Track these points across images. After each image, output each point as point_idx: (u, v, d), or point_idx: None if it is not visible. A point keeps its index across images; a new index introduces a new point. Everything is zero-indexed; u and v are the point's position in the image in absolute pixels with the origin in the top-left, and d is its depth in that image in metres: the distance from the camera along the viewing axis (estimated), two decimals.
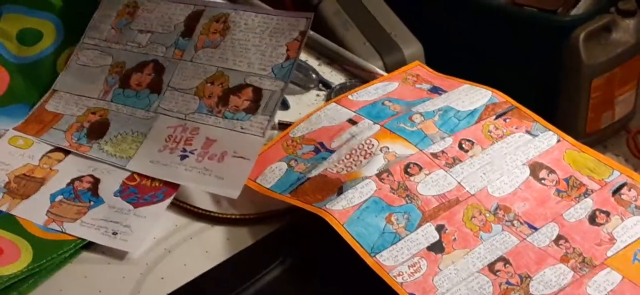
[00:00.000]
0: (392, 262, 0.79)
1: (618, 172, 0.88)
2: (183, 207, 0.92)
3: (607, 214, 0.84)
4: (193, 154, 0.96)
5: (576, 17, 2.11)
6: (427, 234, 0.82)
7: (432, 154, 0.91)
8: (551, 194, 0.86)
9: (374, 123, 0.96)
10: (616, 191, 0.86)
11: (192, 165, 0.95)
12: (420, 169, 0.89)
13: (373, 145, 0.92)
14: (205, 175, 0.93)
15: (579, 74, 2.10)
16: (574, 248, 0.80)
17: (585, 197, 0.86)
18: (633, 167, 2.15)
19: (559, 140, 0.93)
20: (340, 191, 0.86)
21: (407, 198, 0.85)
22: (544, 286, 0.76)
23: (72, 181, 0.96)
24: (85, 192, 0.94)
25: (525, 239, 0.81)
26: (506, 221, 0.83)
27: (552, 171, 0.89)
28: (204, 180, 0.93)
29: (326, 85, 1.11)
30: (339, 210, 0.83)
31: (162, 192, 0.93)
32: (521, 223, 0.83)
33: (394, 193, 0.86)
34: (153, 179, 0.95)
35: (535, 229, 0.83)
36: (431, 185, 0.87)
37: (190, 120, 0.99)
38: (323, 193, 0.87)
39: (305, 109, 1.07)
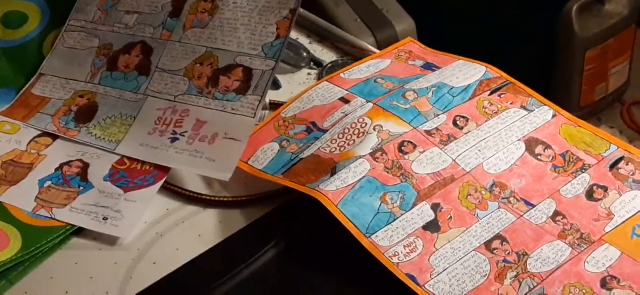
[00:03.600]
0: (388, 242, 0.78)
1: (615, 146, 0.87)
2: (174, 191, 0.91)
3: (605, 189, 0.82)
4: (184, 136, 0.94)
5: None
6: (423, 213, 0.81)
7: (426, 131, 0.89)
8: (548, 170, 0.85)
9: (367, 101, 0.94)
10: (614, 165, 0.85)
11: (183, 147, 0.93)
12: (415, 147, 0.87)
13: (366, 124, 0.90)
14: (197, 157, 0.92)
15: (573, 47, 2.09)
16: (571, 224, 0.79)
17: (583, 173, 0.84)
18: (628, 140, 2.14)
19: (554, 115, 0.92)
20: (333, 171, 0.84)
21: (401, 177, 0.84)
22: (542, 263, 0.75)
23: (61, 166, 0.94)
24: (74, 177, 0.92)
25: (522, 216, 0.80)
26: (502, 198, 0.82)
27: (548, 147, 0.88)
28: (195, 163, 0.91)
29: (318, 63, 1.09)
30: (333, 191, 0.81)
31: (153, 176, 0.92)
32: (518, 200, 0.82)
33: (388, 172, 0.84)
34: (143, 163, 0.93)
35: (532, 205, 0.81)
36: (426, 163, 0.86)
37: (180, 102, 0.97)
38: (316, 174, 0.85)
39: (297, 88, 1.05)
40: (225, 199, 0.89)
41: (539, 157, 0.87)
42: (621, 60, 2.18)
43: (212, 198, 0.90)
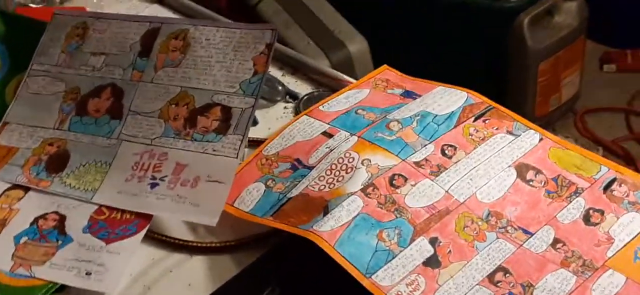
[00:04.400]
0: (389, 281, 0.76)
1: (606, 167, 0.87)
2: (158, 239, 0.88)
3: (601, 212, 0.82)
4: (164, 181, 0.91)
5: (519, 3, 2.12)
6: (421, 248, 0.79)
7: (415, 163, 0.88)
8: (541, 196, 0.84)
9: (351, 134, 0.92)
10: (607, 187, 0.84)
11: (164, 193, 0.90)
12: (406, 179, 0.85)
13: (353, 158, 0.88)
14: (179, 203, 0.88)
15: (526, 59, 2.11)
16: (573, 251, 0.78)
17: (577, 196, 0.84)
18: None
19: (541, 139, 0.91)
20: (325, 210, 0.82)
21: (396, 212, 0.82)
22: (548, 294, 0.74)
23: (36, 220, 0.90)
24: (51, 231, 0.88)
25: (521, 245, 0.79)
26: (500, 228, 0.81)
27: (539, 171, 0.87)
28: (178, 209, 0.88)
29: (293, 96, 1.07)
30: (328, 232, 0.79)
31: (134, 225, 0.88)
32: (515, 229, 0.81)
33: (381, 208, 0.82)
34: (123, 211, 0.90)
35: (531, 233, 0.80)
36: (419, 196, 0.84)
37: (157, 145, 0.94)
38: (307, 213, 0.83)
39: (274, 123, 1.03)
40: (213, 245, 0.86)
41: (531, 182, 0.86)
42: (572, 70, 2.21)
43: (199, 244, 0.87)
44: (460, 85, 0.99)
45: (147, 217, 0.88)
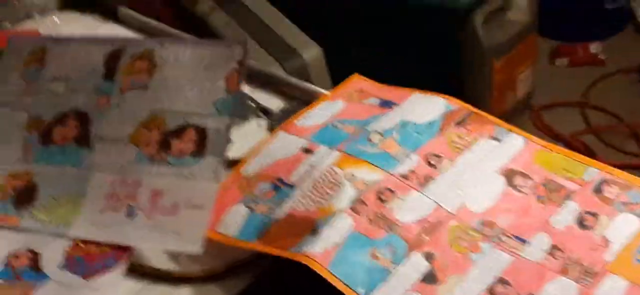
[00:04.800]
0: None
1: (594, 168, 0.86)
2: (140, 271, 0.84)
3: (595, 215, 0.80)
4: (140, 210, 0.87)
5: (471, 1, 2.11)
6: (417, 264, 0.77)
7: (401, 175, 0.85)
8: (532, 202, 0.83)
9: (331, 149, 0.90)
10: (598, 189, 0.83)
11: (142, 222, 0.86)
12: (393, 193, 0.83)
13: (337, 173, 0.86)
14: (159, 232, 0.85)
15: (481, 57, 2.11)
16: (570, 257, 0.76)
17: (568, 200, 0.82)
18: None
19: (525, 142, 0.90)
20: (314, 230, 0.79)
21: (387, 228, 0.80)
22: None
23: (8, 259, 0.85)
24: (25, 270, 0.84)
25: (518, 254, 0.77)
26: (493, 238, 0.79)
27: (527, 177, 0.85)
28: (158, 238, 0.85)
29: (266, 112, 1.04)
30: (321, 253, 0.76)
31: (113, 258, 0.84)
32: (509, 237, 0.79)
33: (372, 224, 0.80)
34: (100, 244, 0.86)
35: (526, 241, 0.78)
36: (408, 210, 0.82)
37: (130, 172, 0.90)
38: (296, 235, 0.80)
39: (248, 140, 0.99)
40: (198, 274, 0.83)
41: (521, 188, 0.84)
42: (526, 66, 2.21)
43: (183, 274, 0.83)
44: (416, 88, 0.97)
45: (126, 249, 0.85)
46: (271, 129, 1.01)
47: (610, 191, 0.83)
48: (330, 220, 0.80)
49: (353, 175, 0.85)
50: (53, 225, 0.88)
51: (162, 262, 0.84)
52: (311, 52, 2.11)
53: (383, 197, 0.83)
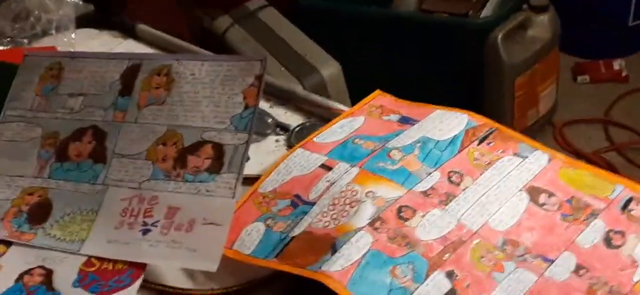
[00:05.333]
0: None
1: (621, 185, 0.83)
2: (155, 289, 0.82)
3: (622, 233, 0.78)
4: (156, 226, 0.85)
5: (491, 19, 2.10)
6: (438, 283, 0.75)
7: (422, 192, 0.83)
8: (557, 220, 0.80)
9: (351, 166, 0.88)
10: (624, 207, 0.81)
11: (157, 239, 0.84)
12: (414, 211, 0.81)
13: (356, 191, 0.84)
14: (175, 249, 0.83)
15: (502, 74, 2.09)
16: (598, 278, 0.74)
17: (594, 218, 0.80)
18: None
19: (550, 159, 0.87)
20: (333, 249, 0.77)
21: (407, 246, 0.78)
22: None
23: (21, 276, 0.84)
24: (38, 287, 0.83)
25: (543, 274, 0.75)
26: (518, 256, 0.77)
27: (551, 194, 0.83)
28: (174, 255, 0.83)
29: (284, 128, 1.02)
30: (339, 271, 0.74)
31: (128, 275, 0.83)
32: (534, 256, 0.77)
33: (392, 242, 0.78)
34: (115, 261, 0.84)
35: (551, 261, 0.76)
36: (430, 227, 0.80)
37: (146, 188, 0.88)
38: (314, 253, 0.78)
39: (266, 157, 0.98)
40: (215, 292, 0.81)
41: (545, 206, 0.82)
42: (548, 83, 2.19)
43: (200, 292, 0.81)
44: (438, 104, 0.95)
45: (141, 266, 0.83)
46: (289, 146, 0.99)
47: (637, 209, 0.80)
48: (350, 238, 0.78)
49: (373, 192, 0.83)
50: (67, 242, 0.87)
51: (178, 280, 0.83)
52: (330, 68, 2.10)
53: (403, 215, 0.81)
